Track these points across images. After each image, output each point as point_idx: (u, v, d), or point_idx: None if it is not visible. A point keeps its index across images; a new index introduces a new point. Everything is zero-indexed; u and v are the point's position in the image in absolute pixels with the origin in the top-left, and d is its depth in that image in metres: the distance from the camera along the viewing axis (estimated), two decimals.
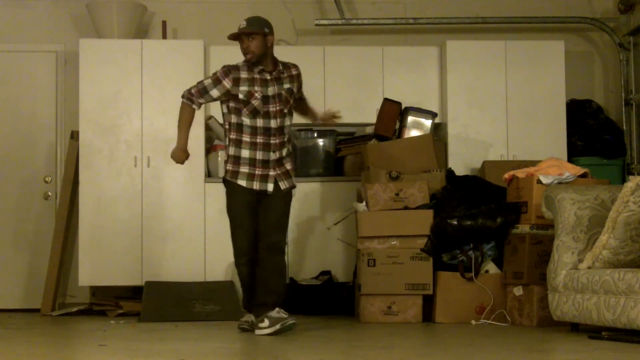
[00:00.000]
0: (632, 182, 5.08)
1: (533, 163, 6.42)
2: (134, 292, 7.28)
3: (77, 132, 7.32)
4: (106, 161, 7.24)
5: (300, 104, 5.82)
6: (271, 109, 5.43)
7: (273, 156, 5.47)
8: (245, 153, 5.46)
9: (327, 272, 7.22)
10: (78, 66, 7.30)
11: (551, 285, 5.39)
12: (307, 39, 7.90)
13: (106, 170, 7.23)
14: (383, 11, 7.94)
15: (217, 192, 6.96)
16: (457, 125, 7.41)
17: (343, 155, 7.50)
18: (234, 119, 5.46)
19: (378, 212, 6.35)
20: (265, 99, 5.42)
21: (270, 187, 5.47)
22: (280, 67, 5.49)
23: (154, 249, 7.21)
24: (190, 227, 7.25)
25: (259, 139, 5.44)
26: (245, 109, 5.42)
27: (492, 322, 6.05)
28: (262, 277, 5.45)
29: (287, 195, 5.56)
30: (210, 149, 7.42)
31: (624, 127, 7.75)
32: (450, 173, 6.67)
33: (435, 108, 7.37)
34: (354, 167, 7.38)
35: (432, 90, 7.55)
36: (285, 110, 5.49)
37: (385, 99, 7.13)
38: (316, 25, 7.78)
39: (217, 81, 5.45)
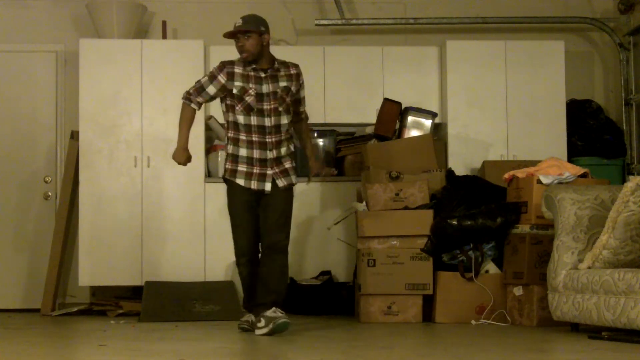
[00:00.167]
0: (632, 182, 5.08)
1: (533, 163, 6.42)
2: (134, 292, 7.28)
3: (77, 132, 7.32)
4: (106, 161, 7.24)
5: (302, 138, 5.79)
6: (265, 107, 5.42)
7: (270, 155, 5.46)
8: (242, 152, 5.46)
9: (327, 272, 7.22)
10: (78, 66, 7.31)
11: (551, 285, 5.39)
12: (307, 39, 7.90)
13: (106, 170, 7.23)
14: (383, 11, 7.94)
15: (217, 192, 6.97)
16: (457, 125, 7.41)
17: (343, 155, 7.50)
18: (230, 117, 5.48)
19: (378, 212, 6.35)
20: (260, 97, 5.41)
21: (268, 186, 5.47)
22: (276, 65, 5.47)
23: (154, 249, 7.21)
24: (190, 227, 7.25)
25: (255, 137, 5.44)
26: (239, 106, 5.42)
27: (492, 322, 6.05)
28: (262, 277, 5.45)
29: (287, 194, 5.53)
30: (210, 149, 7.42)
31: (624, 127, 7.75)
32: (450, 173, 6.67)
33: (435, 108, 7.38)
34: (354, 167, 7.39)
35: (432, 90, 7.55)
36: (281, 109, 5.46)
37: (385, 99, 7.13)
38: (316, 25, 7.78)
39: (212, 77, 5.47)
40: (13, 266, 7.59)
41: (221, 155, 7.07)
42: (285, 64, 5.54)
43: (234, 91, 5.41)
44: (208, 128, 7.38)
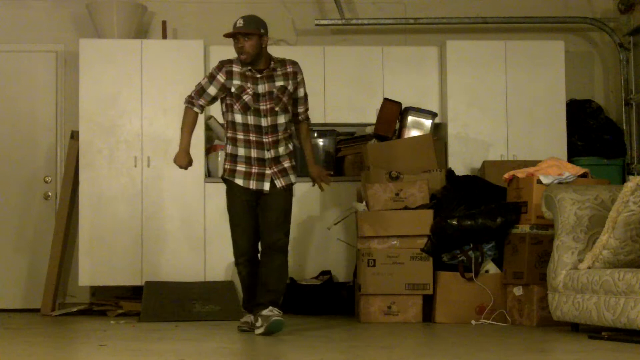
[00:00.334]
0: (632, 182, 5.08)
1: (533, 163, 6.42)
2: (134, 292, 7.28)
3: (77, 132, 7.32)
4: (106, 161, 7.24)
5: (301, 142, 5.76)
6: (262, 107, 5.42)
7: (268, 154, 5.46)
8: (240, 151, 5.47)
9: (327, 272, 7.22)
10: (78, 66, 7.31)
11: (551, 285, 5.39)
12: (307, 39, 7.90)
13: (106, 170, 7.23)
14: (383, 11, 7.94)
15: (217, 192, 6.96)
16: (457, 125, 7.41)
17: (343, 155, 7.50)
18: (229, 116, 5.48)
19: (378, 212, 6.35)
20: (256, 97, 5.41)
21: (266, 186, 5.47)
22: (273, 65, 5.45)
23: (154, 249, 7.21)
24: (190, 227, 7.25)
25: (252, 137, 5.44)
26: (237, 104, 5.42)
27: (492, 322, 6.05)
28: (262, 277, 5.45)
29: (286, 194, 5.53)
30: (210, 149, 7.42)
31: (624, 127, 7.75)
32: (450, 173, 6.67)
33: (435, 108, 7.38)
34: (354, 167, 7.39)
35: (432, 90, 7.55)
36: (277, 109, 5.44)
37: (385, 99, 7.13)
38: (316, 25, 7.78)
39: (212, 78, 5.47)
40: (13, 266, 7.59)
41: (221, 155, 7.07)
42: (283, 62, 5.51)
43: (232, 89, 5.42)
44: (208, 128, 7.38)
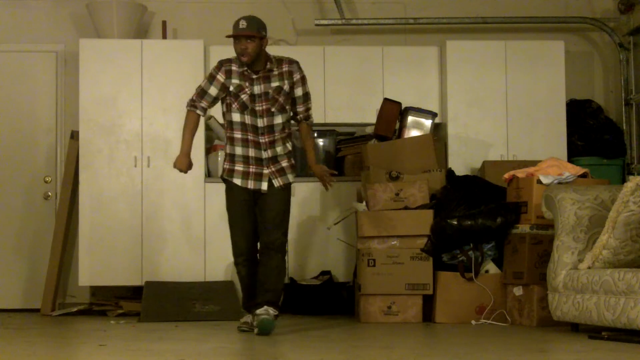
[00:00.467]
0: (632, 182, 5.08)
1: (533, 163, 6.42)
2: (134, 292, 7.28)
3: (77, 132, 7.32)
4: (106, 161, 7.24)
5: (303, 140, 5.72)
6: (257, 108, 5.42)
7: (265, 154, 5.46)
8: (238, 150, 5.47)
9: (327, 272, 7.22)
10: (78, 66, 7.31)
11: (551, 285, 5.39)
12: (307, 39, 7.90)
13: (106, 170, 7.23)
14: (383, 11, 7.93)
15: (217, 192, 6.95)
16: (457, 125, 7.41)
17: (343, 155, 7.50)
18: (227, 116, 5.49)
19: (378, 212, 6.35)
20: (252, 97, 5.41)
21: (264, 185, 5.47)
22: (269, 66, 5.43)
23: (154, 249, 7.21)
24: (190, 227, 7.25)
25: (250, 136, 5.44)
26: (235, 103, 5.42)
27: (492, 322, 6.05)
28: (260, 277, 5.46)
29: (284, 193, 5.52)
30: (210, 149, 7.42)
31: (624, 127, 7.75)
32: (450, 173, 6.67)
33: (435, 108, 7.38)
34: (354, 167, 7.38)
35: (432, 90, 7.55)
36: (273, 109, 5.43)
37: (385, 99, 7.13)
38: (316, 25, 7.78)
39: (212, 78, 5.47)
40: (13, 266, 7.59)
41: (221, 155, 7.07)
42: (280, 62, 5.48)
43: (231, 88, 5.42)
44: (208, 128, 7.38)
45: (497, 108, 7.43)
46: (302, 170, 7.17)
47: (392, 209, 6.36)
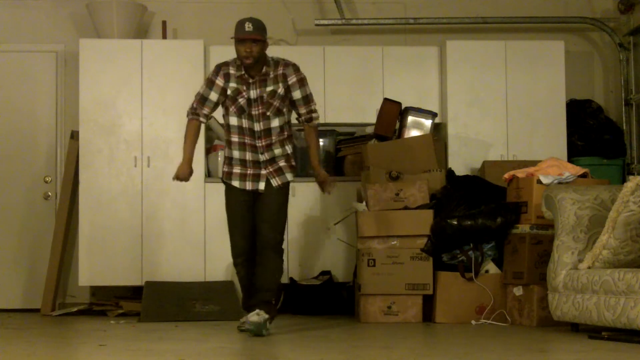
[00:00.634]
0: (632, 182, 5.08)
1: (533, 163, 6.42)
2: (134, 292, 7.28)
3: (77, 132, 7.32)
4: (106, 161, 7.24)
5: (307, 141, 5.66)
6: (253, 112, 5.41)
7: (262, 157, 5.46)
8: (235, 153, 5.48)
9: (327, 272, 7.22)
10: (78, 66, 7.31)
11: (551, 285, 5.39)
12: (307, 39, 7.90)
13: (106, 170, 7.23)
14: (383, 11, 7.93)
15: (217, 192, 6.94)
16: (457, 125, 7.41)
17: (343, 155, 7.50)
18: (225, 119, 5.50)
19: (378, 212, 6.35)
20: (249, 101, 5.40)
21: (262, 185, 5.47)
22: (265, 69, 5.39)
23: (154, 249, 7.21)
24: (190, 227, 7.25)
25: (247, 140, 5.44)
26: (232, 107, 5.42)
27: (492, 322, 6.05)
28: (256, 276, 5.46)
29: (281, 192, 5.51)
30: (210, 149, 7.42)
31: (624, 127, 7.75)
32: (450, 173, 6.67)
33: (435, 108, 7.37)
34: (354, 167, 7.38)
35: (432, 90, 7.55)
36: (269, 113, 5.41)
37: (385, 99, 7.13)
38: (316, 25, 7.78)
39: (211, 83, 5.45)
40: (13, 266, 7.59)
41: (221, 155, 7.07)
42: (277, 65, 5.43)
43: (229, 92, 5.42)
44: (208, 128, 7.37)
45: (497, 108, 7.43)
46: (303, 170, 7.18)
47: (392, 209, 6.36)
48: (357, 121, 7.51)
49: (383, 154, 6.77)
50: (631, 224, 5.06)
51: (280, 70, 5.42)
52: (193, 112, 5.49)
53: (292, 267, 7.23)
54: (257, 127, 5.43)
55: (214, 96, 5.45)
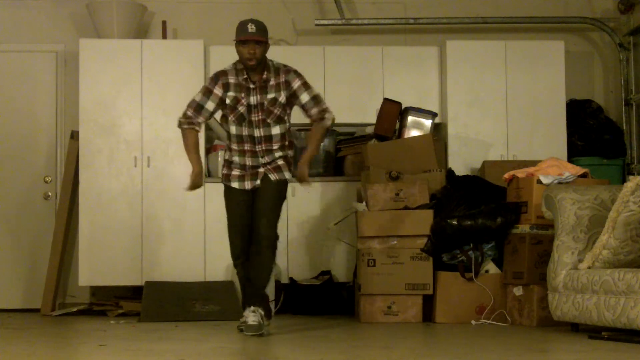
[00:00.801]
0: (632, 182, 5.08)
1: (533, 163, 6.42)
2: (134, 292, 7.28)
3: (77, 132, 7.32)
4: (106, 161, 7.24)
5: (310, 136, 5.60)
6: (254, 119, 5.40)
7: (262, 160, 5.47)
8: (236, 159, 5.50)
9: (327, 272, 7.22)
10: (78, 66, 7.31)
11: (551, 285, 5.39)
12: (307, 39, 7.90)
13: (106, 170, 7.23)
14: (383, 11, 7.93)
15: (217, 192, 6.94)
16: (457, 125, 7.41)
17: (343, 155, 7.50)
18: (225, 126, 5.54)
19: (378, 212, 6.35)
20: (249, 108, 5.39)
21: (259, 181, 5.48)
22: (266, 75, 5.37)
23: (154, 249, 7.21)
24: (190, 226, 7.25)
25: (247, 147, 5.44)
26: (231, 116, 5.41)
27: (492, 322, 6.05)
28: (250, 269, 5.46)
29: (278, 187, 5.49)
30: (210, 149, 7.42)
31: (624, 127, 7.75)
32: (450, 173, 6.67)
33: (435, 108, 7.37)
34: (354, 167, 7.38)
35: (432, 90, 7.55)
36: (269, 121, 5.40)
37: (385, 99, 7.13)
38: (316, 25, 7.78)
39: (208, 92, 5.42)
40: (13, 266, 7.59)
41: (221, 155, 7.07)
42: (278, 71, 5.40)
43: (227, 101, 5.40)
44: (208, 128, 7.37)
45: (497, 108, 7.43)
46: None
47: (392, 209, 6.36)
48: (357, 121, 7.51)
49: (383, 154, 6.77)
50: (631, 224, 5.06)
51: (282, 78, 5.40)
52: (189, 122, 5.46)
53: (292, 267, 7.23)
54: (257, 133, 5.42)
55: (210, 105, 5.43)
